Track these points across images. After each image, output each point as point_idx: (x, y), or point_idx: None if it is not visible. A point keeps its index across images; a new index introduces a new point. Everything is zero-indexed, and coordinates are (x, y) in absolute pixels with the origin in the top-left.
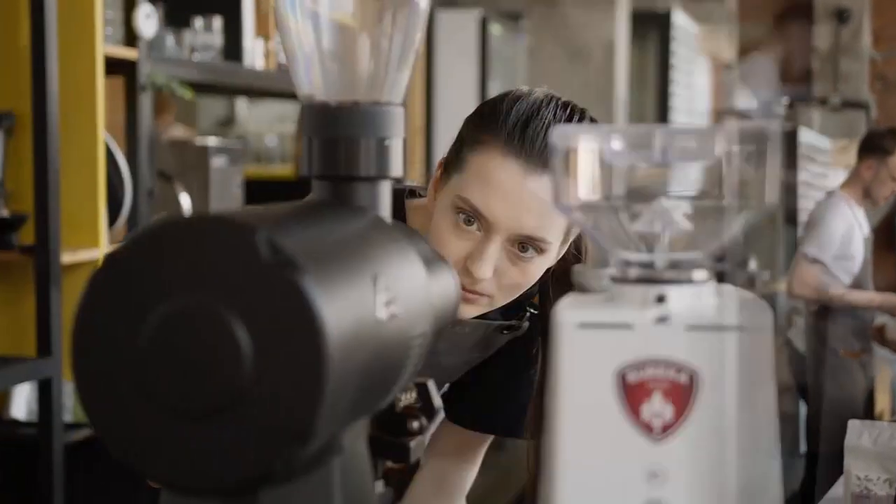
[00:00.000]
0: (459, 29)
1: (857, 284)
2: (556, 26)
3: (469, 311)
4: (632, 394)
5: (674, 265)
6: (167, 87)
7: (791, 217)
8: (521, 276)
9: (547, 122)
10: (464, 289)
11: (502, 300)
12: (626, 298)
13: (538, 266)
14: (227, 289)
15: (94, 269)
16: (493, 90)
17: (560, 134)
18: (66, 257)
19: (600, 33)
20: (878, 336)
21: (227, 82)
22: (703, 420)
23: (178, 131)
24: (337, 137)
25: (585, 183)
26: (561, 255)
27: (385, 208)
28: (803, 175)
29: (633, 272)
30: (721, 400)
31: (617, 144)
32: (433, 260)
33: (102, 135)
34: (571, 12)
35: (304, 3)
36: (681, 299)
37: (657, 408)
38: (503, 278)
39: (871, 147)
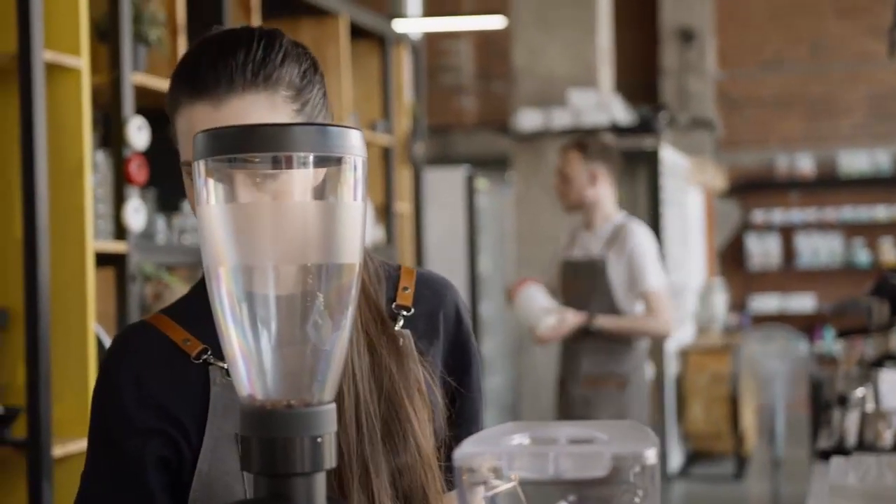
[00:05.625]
0: (447, 185)
1: None
2: (543, 173)
3: None
4: None
5: None
6: (155, 276)
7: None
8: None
9: (220, 47)
10: None
11: None
12: None
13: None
14: None
15: None
16: (482, 242)
17: (461, 455)
18: (58, 450)
19: None
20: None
21: None
22: None
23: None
24: (273, 438)
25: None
26: None
27: (319, 498)
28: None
29: None
30: None
31: (515, 462)
32: None
33: (93, 327)
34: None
35: (243, 316)
36: None
37: None
38: None
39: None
